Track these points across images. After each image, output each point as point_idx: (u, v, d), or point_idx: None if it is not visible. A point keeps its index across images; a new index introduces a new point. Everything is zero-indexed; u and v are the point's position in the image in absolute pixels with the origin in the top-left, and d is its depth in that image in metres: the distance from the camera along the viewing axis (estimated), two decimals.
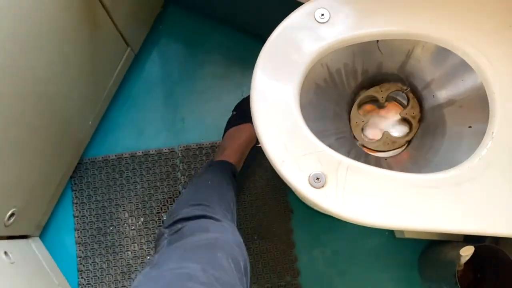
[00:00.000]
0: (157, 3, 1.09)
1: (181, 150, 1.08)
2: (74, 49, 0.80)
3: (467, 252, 0.75)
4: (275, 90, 0.68)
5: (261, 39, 0.70)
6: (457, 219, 0.63)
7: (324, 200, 0.64)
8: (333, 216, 0.65)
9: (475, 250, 0.87)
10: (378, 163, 0.85)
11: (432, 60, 0.79)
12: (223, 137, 1.01)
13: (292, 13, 0.71)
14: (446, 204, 0.64)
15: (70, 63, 0.81)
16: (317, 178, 0.64)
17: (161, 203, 1.06)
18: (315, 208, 0.65)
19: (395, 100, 0.88)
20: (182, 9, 1.14)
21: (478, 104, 0.72)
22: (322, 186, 0.64)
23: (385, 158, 0.85)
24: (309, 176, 0.65)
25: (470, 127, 0.77)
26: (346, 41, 0.70)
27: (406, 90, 0.85)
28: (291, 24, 0.70)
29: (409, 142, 0.86)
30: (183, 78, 1.12)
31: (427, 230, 0.64)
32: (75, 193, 1.07)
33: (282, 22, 0.70)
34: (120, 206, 1.06)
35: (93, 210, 1.06)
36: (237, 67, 1.12)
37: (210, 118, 1.10)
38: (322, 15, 0.70)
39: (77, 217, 1.06)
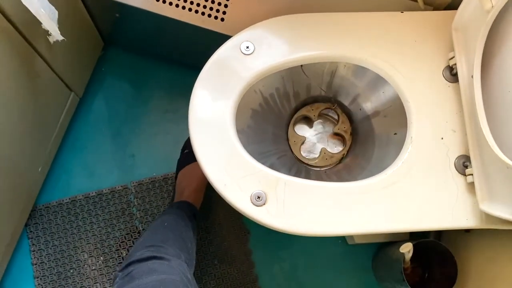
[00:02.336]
0: (97, 47, 1.13)
1: (134, 186, 1.10)
2: (15, 101, 0.82)
3: (405, 249, 0.81)
4: (211, 119, 0.73)
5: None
6: (388, 220, 0.69)
7: (267, 216, 0.69)
8: (277, 230, 0.70)
9: (420, 247, 0.93)
10: (318, 175, 0.91)
11: (354, 77, 0.86)
12: (176, 176, 1.04)
13: (219, 48, 0.76)
14: (377, 207, 0.70)
15: (12, 114, 0.83)
16: (258, 197, 0.69)
17: (119, 240, 1.07)
18: (261, 224, 0.70)
19: (328, 116, 0.95)
20: (122, 50, 1.18)
21: (399, 113, 0.79)
22: (264, 204, 0.69)
23: (325, 171, 0.91)
24: (250, 196, 0.69)
25: (395, 134, 0.84)
26: (271, 69, 0.76)
27: (334, 107, 0.92)
28: (220, 58, 0.76)
29: (345, 154, 0.93)
30: (129, 115, 1.15)
31: (362, 233, 0.70)
32: (32, 240, 1.07)
33: (212, 56, 0.76)
34: (79, 248, 1.07)
35: (52, 255, 1.06)
36: (181, 99, 1.17)
37: (160, 151, 1.13)
38: (247, 47, 0.76)
39: (36, 264, 1.05)
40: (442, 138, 0.74)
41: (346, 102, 0.92)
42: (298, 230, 0.69)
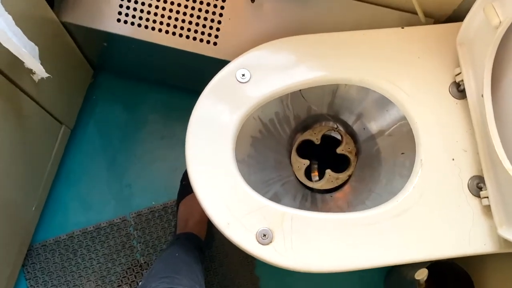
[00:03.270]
0: (87, 76, 1.09)
1: (133, 217, 1.06)
2: (4, 142, 0.79)
3: (421, 275, 0.77)
4: (210, 154, 0.69)
5: (197, 93, 0.72)
6: (402, 251, 0.66)
7: (275, 255, 0.65)
8: (287, 269, 0.66)
9: (435, 265, 0.90)
10: (324, 200, 0.87)
11: (356, 96, 0.83)
12: (177, 206, 1.00)
13: (214, 77, 0.73)
14: (390, 238, 0.66)
15: (2, 155, 0.79)
16: (264, 235, 0.65)
17: (120, 276, 1.03)
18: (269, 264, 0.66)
19: (331, 138, 0.91)
20: (113, 75, 1.15)
21: (406, 132, 0.76)
22: (271, 242, 0.66)
23: (331, 195, 0.88)
24: (256, 234, 0.66)
25: (403, 153, 0.80)
26: (269, 97, 0.72)
27: (336, 128, 0.88)
28: (215, 89, 0.72)
29: (350, 175, 0.89)
30: (124, 143, 1.11)
31: (377, 266, 0.66)
32: (29, 281, 1.02)
33: (206, 87, 0.72)
34: (79, 286, 1.02)
35: None
36: (177, 123, 1.13)
37: (158, 179, 1.10)
38: (243, 75, 0.72)
39: None
40: (453, 159, 0.70)
41: (349, 121, 0.89)
42: (310, 268, 0.65)
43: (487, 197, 0.66)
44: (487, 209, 0.67)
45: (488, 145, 0.66)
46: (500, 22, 0.60)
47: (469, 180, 0.69)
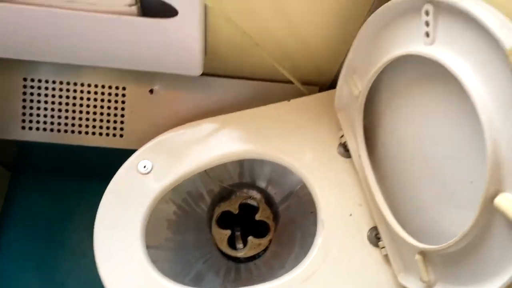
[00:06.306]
0: (3, 180, 1.08)
1: None
2: None
3: None
4: (120, 255, 0.71)
5: None
6: None
7: None
8: None
9: None
10: (248, 270, 0.90)
11: (261, 165, 0.88)
12: None
13: (117, 173, 0.76)
14: None
15: None
16: None
17: None
18: None
19: (249, 205, 0.95)
20: (32, 174, 1.14)
21: (309, 192, 0.81)
22: None
23: (254, 263, 0.90)
24: None
25: (311, 212, 0.85)
26: (172, 185, 0.76)
27: (250, 197, 0.92)
28: (117, 185, 0.75)
29: (271, 240, 0.92)
30: (52, 241, 1.10)
31: None
32: None
33: (108, 185, 0.75)
34: None
35: None
36: None
37: (91, 271, 1.08)
38: (145, 166, 0.76)
39: None
40: (350, 215, 0.75)
41: (262, 187, 0.93)
42: None
43: (385, 247, 0.71)
44: (388, 258, 0.72)
45: (374, 201, 0.71)
46: (360, 91, 0.68)
47: (368, 232, 0.74)
